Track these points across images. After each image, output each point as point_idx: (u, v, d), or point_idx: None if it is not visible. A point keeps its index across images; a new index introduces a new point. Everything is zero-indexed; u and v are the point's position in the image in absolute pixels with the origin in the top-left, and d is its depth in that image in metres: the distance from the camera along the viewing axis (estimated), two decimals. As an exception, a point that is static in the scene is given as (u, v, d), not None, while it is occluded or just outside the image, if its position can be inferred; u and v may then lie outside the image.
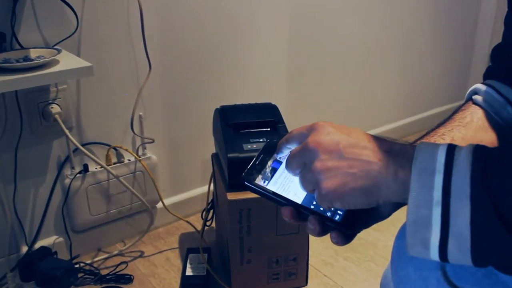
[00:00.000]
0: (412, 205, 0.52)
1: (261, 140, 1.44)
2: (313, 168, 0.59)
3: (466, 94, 0.80)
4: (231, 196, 1.38)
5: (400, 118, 2.63)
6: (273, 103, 1.62)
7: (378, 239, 1.80)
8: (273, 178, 0.66)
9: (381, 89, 2.46)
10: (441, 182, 0.50)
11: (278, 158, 0.68)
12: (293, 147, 0.64)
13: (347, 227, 0.61)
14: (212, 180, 1.66)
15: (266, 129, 1.50)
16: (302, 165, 0.61)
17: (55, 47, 1.37)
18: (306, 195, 0.64)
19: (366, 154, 0.57)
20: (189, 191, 1.94)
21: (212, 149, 1.68)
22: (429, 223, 0.51)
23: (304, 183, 0.61)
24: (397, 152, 0.56)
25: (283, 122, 1.52)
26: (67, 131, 1.47)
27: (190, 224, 1.86)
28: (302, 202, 0.63)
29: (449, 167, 0.51)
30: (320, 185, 0.58)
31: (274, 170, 0.67)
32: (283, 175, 0.66)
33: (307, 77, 2.11)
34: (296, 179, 0.65)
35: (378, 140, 0.59)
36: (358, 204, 0.58)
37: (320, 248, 1.74)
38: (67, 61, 1.27)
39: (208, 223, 1.76)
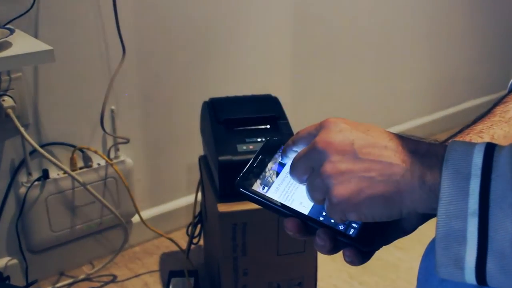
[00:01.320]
0: (442, 215, 0.51)
1: (259, 140, 1.43)
2: (322, 171, 0.58)
3: (510, 84, 0.80)
4: (223, 207, 1.38)
5: (428, 113, 2.63)
6: (273, 94, 1.62)
7: (401, 260, 1.80)
8: (274, 184, 0.66)
9: (405, 78, 2.46)
10: (478, 188, 0.50)
11: (280, 160, 0.68)
12: (300, 150, 0.64)
13: (363, 244, 0.61)
14: (200, 189, 1.66)
15: (265, 126, 1.50)
16: (310, 170, 0.61)
17: (6, 26, 1.36)
18: (314, 204, 0.63)
19: (387, 155, 0.57)
20: (171, 201, 1.94)
21: (199, 150, 1.68)
22: (464, 237, 0.50)
23: (312, 191, 0.61)
24: (425, 152, 0.56)
25: (286, 118, 1.52)
26: (22, 129, 1.46)
27: (173, 241, 1.86)
28: (309, 212, 0.63)
29: (487, 171, 0.50)
30: (330, 192, 0.58)
31: (275, 174, 0.67)
32: (286, 180, 0.66)
33: (315, 64, 2.11)
34: (301, 186, 0.64)
35: (402, 138, 0.58)
36: (377, 216, 0.57)
37: (331, 270, 1.74)
38: (21, 43, 1.26)
39: (194, 241, 1.75)
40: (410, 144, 0.57)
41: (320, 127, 0.61)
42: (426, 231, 0.64)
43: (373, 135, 0.59)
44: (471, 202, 0.50)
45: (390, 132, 0.60)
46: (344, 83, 2.23)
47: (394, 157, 0.56)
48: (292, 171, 0.63)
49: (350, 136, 0.59)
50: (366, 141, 0.58)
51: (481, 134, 0.70)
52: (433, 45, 2.50)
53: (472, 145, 0.53)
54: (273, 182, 0.66)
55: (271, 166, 0.68)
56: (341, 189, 0.57)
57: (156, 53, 1.72)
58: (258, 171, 0.67)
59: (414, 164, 0.55)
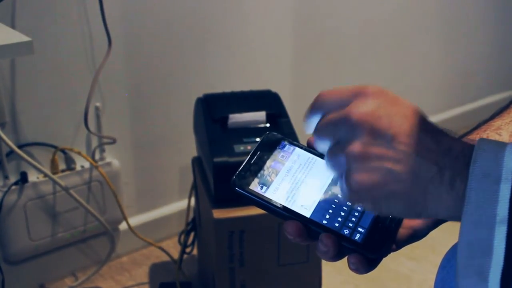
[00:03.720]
0: (467, 222, 0.51)
1: (258, 139, 1.43)
2: (349, 150, 0.56)
3: None
4: (218, 213, 1.38)
5: (443, 110, 2.63)
6: (273, 90, 1.62)
7: (414, 271, 1.80)
8: (273, 183, 0.66)
9: (417, 73, 2.46)
10: (508, 194, 0.50)
11: (280, 157, 0.68)
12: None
13: (370, 250, 0.61)
14: (193, 193, 1.66)
15: (265, 125, 1.50)
16: (335, 139, 0.58)
17: (-18, 16, 1.37)
18: (317, 206, 0.64)
19: (421, 151, 0.55)
20: (162, 207, 1.94)
21: (193, 151, 1.68)
22: (490, 247, 0.50)
23: (331, 162, 0.59)
24: (458, 153, 0.54)
25: (287, 116, 1.52)
26: (-2, 128, 1.46)
27: (164, 251, 1.86)
28: (311, 215, 0.63)
29: None
30: (352, 176, 0.56)
31: (275, 173, 0.67)
32: (286, 179, 0.66)
33: (318, 56, 2.12)
34: (304, 185, 0.65)
35: (438, 133, 0.56)
36: (394, 213, 0.57)
37: (337, 282, 1.74)
38: (-2, 34, 1.26)
39: (187, 250, 1.75)
40: (446, 141, 0.55)
41: (357, 93, 0.58)
42: (440, 240, 0.64)
43: (411, 122, 0.56)
44: (500, 208, 0.50)
45: (427, 122, 0.57)
46: (351, 77, 2.23)
47: (427, 155, 0.55)
48: (316, 132, 0.61)
49: (388, 118, 0.56)
50: (403, 129, 0.55)
51: (499, 131, 0.70)
52: (447, 38, 2.50)
53: (502, 145, 0.52)
54: (272, 181, 0.66)
55: (270, 163, 0.67)
56: (365, 177, 0.56)
57: (146, 44, 1.72)
58: (256, 169, 0.67)
59: (445, 167, 0.54)
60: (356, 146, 0.56)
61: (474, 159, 0.52)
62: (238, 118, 1.50)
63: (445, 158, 0.54)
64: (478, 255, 0.50)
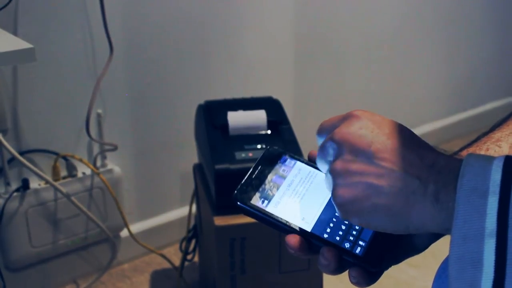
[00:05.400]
0: (457, 236, 0.51)
1: (259, 146, 1.44)
2: (332, 167, 0.60)
3: None
4: (219, 221, 1.38)
5: (444, 116, 2.63)
6: (274, 97, 1.62)
7: (415, 278, 1.80)
8: (274, 198, 0.66)
9: (419, 79, 2.46)
10: (496, 207, 0.50)
11: (281, 171, 0.68)
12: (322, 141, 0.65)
13: (370, 263, 0.61)
14: (194, 200, 1.66)
15: (266, 131, 1.50)
16: (328, 163, 0.63)
17: (-16, 23, 1.37)
18: (318, 220, 0.64)
19: (402, 166, 0.57)
20: (163, 214, 1.94)
21: (194, 158, 1.68)
22: (480, 260, 0.50)
23: (326, 184, 0.63)
24: (442, 167, 0.56)
25: (288, 123, 1.52)
26: (0, 135, 1.46)
27: (165, 258, 1.86)
28: (312, 229, 0.64)
29: (507, 188, 0.50)
30: (335, 191, 0.60)
31: (276, 187, 0.67)
32: (287, 193, 0.66)
33: (320, 63, 2.12)
34: (305, 199, 0.65)
35: (422, 148, 0.59)
36: (380, 227, 0.58)
37: (338, 289, 1.74)
38: None
39: (188, 257, 1.75)
40: (430, 156, 0.57)
41: (343, 118, 0.62)
42: (442, 247, 0.64)
43: (394, 140, 0.59)
44: (488, 222, 0.50)
45: (413, 139, 0.60)
46: (352, 85, 2.23)
47: (410, 169, 0.57)
48: (316, 162, 0.66)
49: (370, 136, 0.59)
50: (384, 146, 0.59)
51: (499, 143, 0.70)
52: (448, 44, 2.50)
53: (489, 159, 0.53)
54: (273, 195, 0.66)
55: (272, 178, 0.68)
56: (346, 191, 0.59)
57: (147, 51, 1.72)
58: (257, 183, 0.67)
59: (429, 181, 0.55)
60: (338, 164, 0.60)
61: (461, 174, 0.53)
62: (237, 118, 1.50)
63: (428, 172, 0.56)
64: (469, 268, 0.51)
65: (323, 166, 0.64)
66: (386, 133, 0.59)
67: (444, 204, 0.54)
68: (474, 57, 2.64)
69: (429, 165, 0.56)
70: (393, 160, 0.57)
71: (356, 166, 0.58)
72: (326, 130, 0.64)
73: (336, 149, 0.60)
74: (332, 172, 0.60)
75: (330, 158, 0.61)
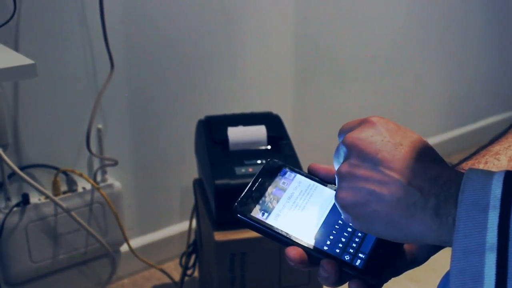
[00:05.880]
0: (457, 250, 0.52)
1: (259, 162, 1.44)
2: (338, 169, 0.61)
3: None
4: (220, 236, 1.38)
5: (442, 131, 2.63)
6: (274, 112, 1.63)
7: (416, 293, 1.79)
8: (274, 210, 0.66)
9: (419, 94, 2.47)
10: (496, 221, 0.50)
11: (281, 184, 0.69)
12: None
13: (371, 276, 0.61)
14: (195, 215, 1.66)
15: (266, 147, 1.50)
16: (339, 161, 0.64)
17: (-14, 39, 1.37)
18: (318, 232, 0.64)
19: (406, 176, 0.57)
20: (163, 229, 1.94)
21: (194, 173, 1.68)
22: (481, 274, 0.50)
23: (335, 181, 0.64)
24: (445, 180, 0.56)
25: (288, 138, 1.52)
26: (0, 150, 1.47)
27: (165, 273, 1.85)
28: (312, 241, 0.64)
29: (507, 202, 0.51)
30: (338, 192, 0.61)
31: (276, 200, 0.67)
32: (287, 206, 0.67)
33: (320, 78, 2.12)
34: (305, 212, 0.66)
35: (431, 161, 0.59)
36: (379, 234, 0.59)
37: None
38: (0, 57, 1.27)
39: (188, 272, 1.75)
40: (434, 169, 0.58)
41: (360, 123, 0.63)
42: (442, 261, 0.64)
43: (402, 150, 0.59)
44: (489, 236, 0.50)
45: (423, 150, 0.60)
46: (352, 100, 2.24)
47: (413, 180, 0.57)
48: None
49: (379, 143, 0.60)
50: (392, 155, 0.59)
51: (498, 156, 0.70)
52: (447, 58, 2.51)
53: (490, 174, 0.53)
54: (273, 208, 0.67)
55: (272, 190, 0.68)
56: (348, 195, 0.59)
57: (148, 67, 1.73)
58: (257, 195, 0.68)
59: (430, 194, 0.56)
60: (344, 166, 0.61)
61: (462, 188, 0.53)
62: (237, 133, 1.50)
63: (430, 185, 0.56)
64: (470, 282, 0.51)
65: (336, 167, 0.64)
66: (396, 142, 0.60)
67: (444, 217, 0.54)
68: (473, 72, 2.64)
69: (432, 178, 0.57)
70: (398, 170, 0.58)
71: (361, 171, 0.59)
72: (343, 132, 0.65)
73: (346, 152, 0.61)
74: (338, 173, 0.61)
75: (341, 160, 0.62)
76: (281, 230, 0.65)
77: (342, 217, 0.62)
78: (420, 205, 0.55)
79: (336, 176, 0.62)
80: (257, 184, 0.69)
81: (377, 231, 0.58)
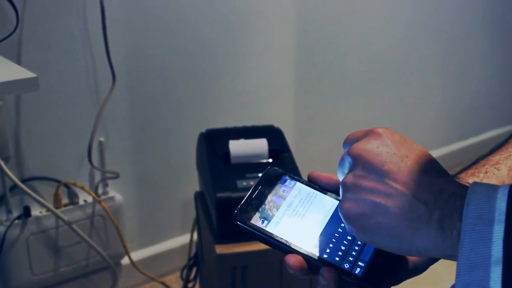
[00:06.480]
0: (462, 264, 0.51)
1: (260, 175, 1.43)
2: (344, 180, 0.61)
3: None
4: (221, 249, 1.37)
5: (444, 144, 2.63)
6: (276, 125, 1.63)
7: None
8: (274, 217, 0.67)
9: (421, 107, 2.47)
10: (501, 235, 0.50)
11: (281, 191, 0.69)
12: None
13: (370, 284, 0.62)
14: (196, 228, 1.66)
15: (267, 160, 1.50)
16: (344, 172, 0.64)
17: (-12, 52, 1.38)
18: (317, 240, 0.64)
19: (412, 189, 0.57)
20: (164, 242, 1.93)
21: (195, 186, 1.68)
22: None
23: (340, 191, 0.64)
24: (450, 194, 0.56)
25: (289, 151, 1.52)
26: (2, 163, 1.47)
27: (166, 286, 1.85)
28: (311, 249, 0.64)
29: None
30: (343, 203, 0.60)
31: (276, 207, 0.68)
32: (287, 214, 0.67)
33: (321, 92, 2.13)
34: (304, 220, 0.66)
35: (436, 174, 0.59)
36: (383, 246, 0.59)
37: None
38: (3, 70, 1.27)
39: (189, 285, 1.75)
40: (439, 182, 0.58)
41: (366, 134, 0.63)
42: (442, 274, 0.64)
43: (408, 162, 0.59)
44: (494, 249, 0.50)
45: (428, 163, 0.60)
46: (353, 114, 2.24)
47: (418, 194, 0.57)
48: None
49: (385, 155, 0.60)
50: (397, 167, 0.59)
51: (498, 166, 0.71)
52: (450, 70, 2.51)
53: (494, 188, 0.53)
54: (273, 215, 0.67)
55: (272, 198, 0.68)
56: (353, 206, 0.59)
57: (149, 80, 1.73)
58: (257, 203, 0.68)
59: (435, 208, 0.56)
60: (349, 177, 0.60)
61: (467, 202, 0.53)
62: (239, 146, 1.50)
63: (435, 198, 0.56)
64: None
65: (340, 177, 0.64)
66: (401, 154, 0.60)
67: (449, 231, 0.54)
68: (476, 85, 2.64)
69: (437, 191, 0.57)
70: (403, 182, 0.58)
71: (367, 182, 0.59)
72: (349, 143, 0.65)
73: (351, 163, 0.61)
74: (343, 184, 0.61)
75: (346, 171, 0.62)
76: (281, 238, 0.65)
77: (344, 226, 0.62)
78: (425, 219, 0.55)
79: (340, 187, 0.61)
80: (257, 191, 0.69)
81: (381, 243, 0.58)
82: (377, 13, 2.17)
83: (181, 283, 1.77)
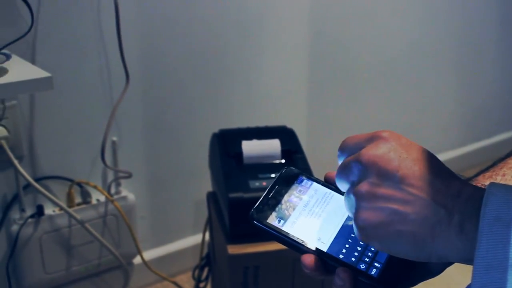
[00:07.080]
0: (479, 266, 0.51)
1: (273, 175, 1.44)
2: (357, 189, 0.59)
3: None
4: (233, 249, 1.37)
5: (458, 146, 2.62)
6: (288, 126, 1.63)
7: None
8: (291, 217, 0.66)
9: (433, 109, 2.46)
10: None
11: (298, 191, 0.69)
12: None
13: (385, 285, 0.61)
14: (208, 228, 1.66)
15: (280, 161, 1.50)
16: (350, 180, 0.61)
17: (2, 51, 1.38)
18: (334, 241, 0.64)
19: (429, 194, 0.56)
20: (176, 242, 1.94)
21: (208, 186, 1.68)
22: None
23: (345, 201, 0.62)
24: (468, 196, 0.56)
25: (302, 152, 1.52)
26: (16, 162, 1.47)
27: (178, 286, 1.85)
28: (328, 249, 0.64)
29: None
30: (358, 213, 0.59)
31: (292, 207, 0.67)
32: (304, 213, 0.67)
33: (334, 93, 2.12)
34: (321, 220, 0.66)
35: (450, 176, 0.58)
36: (402, 254, 0.58)
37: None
38: (18, 69, 1.27)
39: (201, 285, 1.75)
40: (456, 185, 0.57)
41: (371, 138, 0.61)
42: (456, 278, 0.63)
43: (421, 166, 0.58)
44: None
45: (439, 166, 0.59)
46: (366, 114, 2.24)
47: (436, 197, 0.56)
48: (336, 179, 0.64)
49: (398, 160, 0.58)
50: (412, 172, 0.58)
51: None
52: (462, 72, 2.50)
53: None
54: (290, 215, 0.67)
55: (288, 198, 0.68)
56: (371, 215, 0.58)
57: (162, 80, 1.74)
58: (273, 203, 0.68)
59: (455, 211, 0.55)
60: (364, 186, 0.58)
61: (484, 203, 0.52)
62: (251, 147, 1.50)
63: (454, 201, 0.55)
64: None
65: (343, 185, 0.62)
66: (413, 158, 0.59)
67: (469, 234, 0.53)
68: (488, 87, 2.63)
69: (455, 194, 0.56)
70: (420, 187, 0.57)
71: (383, 190, 0.57)
72: (349, 148, 0.63)
73: (363, 170, 0.59)
74: (356, 193, 0.59)
75: (354, 179, 0.60)
76: (297, 238, 0.64)
77: (354, 236, 0.61)
78: (445, 223, 0.55)
79: (352, 196, 0.60)
80: (273, 191, 0.69)
81: (399, 251, 0.57)
82: (390, 15, 2.16)
83: (193, 283, 1.77)
